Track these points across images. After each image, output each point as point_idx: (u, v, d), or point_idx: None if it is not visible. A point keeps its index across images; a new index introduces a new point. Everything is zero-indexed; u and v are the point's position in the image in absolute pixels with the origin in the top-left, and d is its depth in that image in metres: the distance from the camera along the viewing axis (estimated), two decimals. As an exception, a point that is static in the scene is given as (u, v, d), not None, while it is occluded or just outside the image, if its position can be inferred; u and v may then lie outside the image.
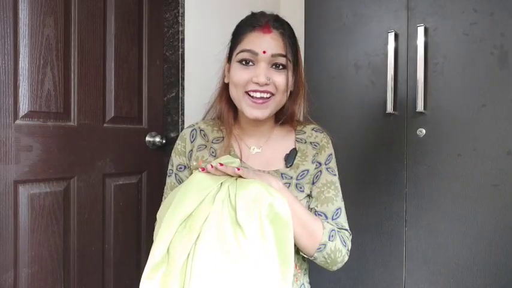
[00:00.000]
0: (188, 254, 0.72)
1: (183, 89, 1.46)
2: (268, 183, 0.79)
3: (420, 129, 1.29)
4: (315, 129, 1.00)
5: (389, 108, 1.32)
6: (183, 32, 1.45)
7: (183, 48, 1.45)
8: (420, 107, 1.26)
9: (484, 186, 1.19)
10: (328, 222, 0.90)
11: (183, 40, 1.45)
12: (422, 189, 1.29)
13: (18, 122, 1.08)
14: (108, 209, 1.31)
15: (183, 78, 1.45)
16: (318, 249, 0.86)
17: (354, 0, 1.43)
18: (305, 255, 0.89)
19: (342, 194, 0.97)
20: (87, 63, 1.23)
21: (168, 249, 0.74)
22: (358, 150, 1.42)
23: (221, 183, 0.78)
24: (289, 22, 0.94)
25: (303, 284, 0.93)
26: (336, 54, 1.47)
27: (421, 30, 1.26)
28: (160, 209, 0.86)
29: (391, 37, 1.32)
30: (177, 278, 0.72)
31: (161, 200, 0.99)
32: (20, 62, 1.08)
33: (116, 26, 1.32)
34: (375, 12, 1.39)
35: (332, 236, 0.87)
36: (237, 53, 0.89)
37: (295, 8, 1.83)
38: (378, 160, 1.38)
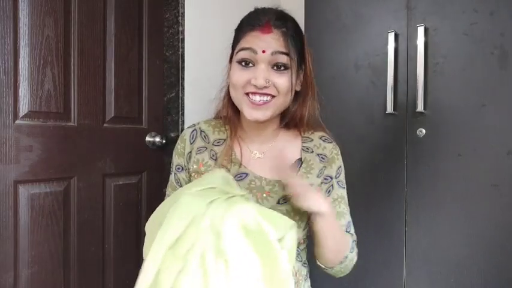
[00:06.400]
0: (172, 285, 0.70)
1: (183, 89, 1.46)
2: (315, 198, 0.78)
3: (420, 129, 1.29)
4: (323, 138, 0.94)
5: (389, 108, 1.32)
6: (183, 32, 1.45)
7: (183, 48, 1.45)
8: (420, 107, 1.26)
9: (484, 186, 1.19)
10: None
11: (183, 40, 1.45)
12: (422, 189, 1.29)
13: (18, 122, 1.08)
14: (108, 209, 1.31)
15: (183, 78, 1.45)
16: (340, 262, 0.87)
17: (353, 0, 1.43)
18: (321, 265, 0.89)
19: None
20: (87, 63, 1.23)
21: (157, 274, 0.72)
22: (358, 150, 1.42)
23: (210, 202, 0.74)
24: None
25: None
26: (336, 54, 1.47)
27: (421, 30, 1.26)
28: (148, 222, 0.84)
29: (391, 37, 1.32)
30: None
31: (161, 200, 0.98)
32: (20, 62, 1.08)
33: (116, 26, 1.32)
34: (374, 12, 1.38)
35: (352, 248, 0.89)
36: (237, 52, 0.85)
37: (295, 8, 1.82)
38: (378, 160, 1.38)
